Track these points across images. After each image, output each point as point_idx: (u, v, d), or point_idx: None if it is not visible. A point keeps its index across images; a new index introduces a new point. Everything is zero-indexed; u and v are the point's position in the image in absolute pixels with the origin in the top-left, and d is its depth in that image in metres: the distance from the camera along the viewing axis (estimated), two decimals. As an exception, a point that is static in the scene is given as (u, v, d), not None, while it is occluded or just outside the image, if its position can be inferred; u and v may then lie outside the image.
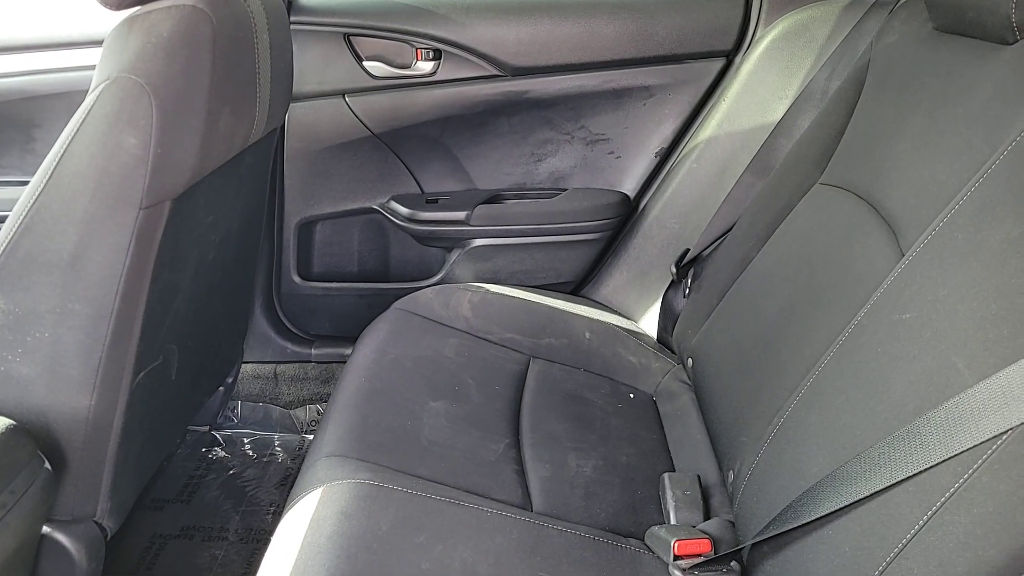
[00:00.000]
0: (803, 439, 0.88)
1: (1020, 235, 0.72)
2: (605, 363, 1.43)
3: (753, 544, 0.89)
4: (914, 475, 0.68)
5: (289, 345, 1.71)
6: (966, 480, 0.64)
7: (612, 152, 1.61)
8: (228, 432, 1.69)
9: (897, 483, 0.69)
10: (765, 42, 1.44)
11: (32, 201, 0.92)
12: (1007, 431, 0.62)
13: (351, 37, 1.55)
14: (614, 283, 1.61)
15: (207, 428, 1.67)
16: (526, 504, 1.05)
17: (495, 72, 1.55)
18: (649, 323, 1.57)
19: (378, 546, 0.88)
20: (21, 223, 0.92)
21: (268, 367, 1.72)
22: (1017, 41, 0.88)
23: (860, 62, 1.22)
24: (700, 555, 0.94)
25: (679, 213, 1.52)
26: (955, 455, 0.65)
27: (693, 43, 1.51)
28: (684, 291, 1.46)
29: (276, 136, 1.50)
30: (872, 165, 1.08)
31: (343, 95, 1.57)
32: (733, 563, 0.93)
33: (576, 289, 1.66)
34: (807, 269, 1.10)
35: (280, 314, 1.71)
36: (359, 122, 1.59)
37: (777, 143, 1.35)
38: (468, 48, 1.53)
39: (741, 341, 1.18)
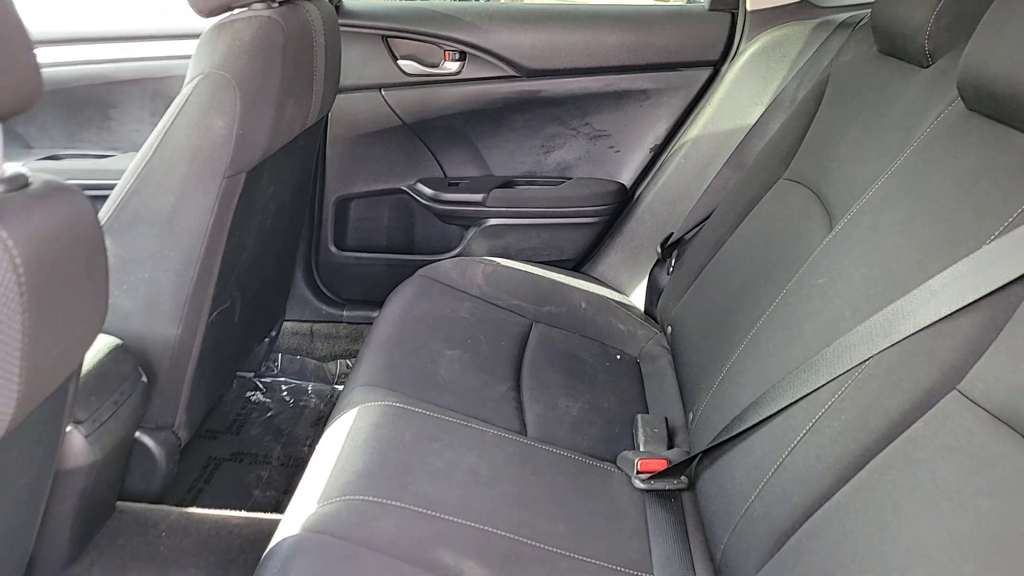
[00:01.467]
0: (740, 380, 1.11)
1: (904, 218, 0.95)
2: (598, 329, 1.65)
3: (698, 462, 1.12)
4: (806, 395, 0.91)
5: (324, 307, 1.95)
6: (839, 395, 0.87)
7: (612, 147, 1.83)
8: (269, 380, 1.94)
9: (795, 402, 0.92)
10: (747, 55, 1.66)
11: (139, 169, 1.16)
12: (867, 359, 0.84)
13: (388, 38, 1.78)
14: (609, 261, 1.84)
15: (252, 375, 1.91)
16: (522, 431, 1.28)
17: (512, 73, 1.78)
18: (638, 297, 1.79)
19: (403, 449, 1.12)
20: (130, 187, 1.16)
21: (305, 325, 1.96)
22: (930, 65, 1.10)
23: (822, 76, 1.43)
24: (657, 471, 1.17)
25: (668, 201, 1.75)
26: (834, 378, 0.88)
27: (686, 53, 1.73)
28: (668, 269, 1.68)
29: (323, 122, 1.74)
30: (822, 164, 1.30)
31: (380, 89, 1.80)
32: (683, 477, 1.16)
33: (576, 266, 1.89)
34: (764, 249, 1.32)
35: (317, 279, 1.95)
36: (393, 113, 1.82)
37: (751, 143, 1.57)
38: (489, 51, 1.76)
39: (710, 310, 1.40)
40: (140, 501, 1.31)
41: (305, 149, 1.54)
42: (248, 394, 1.89)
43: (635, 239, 1.80)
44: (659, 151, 1.81)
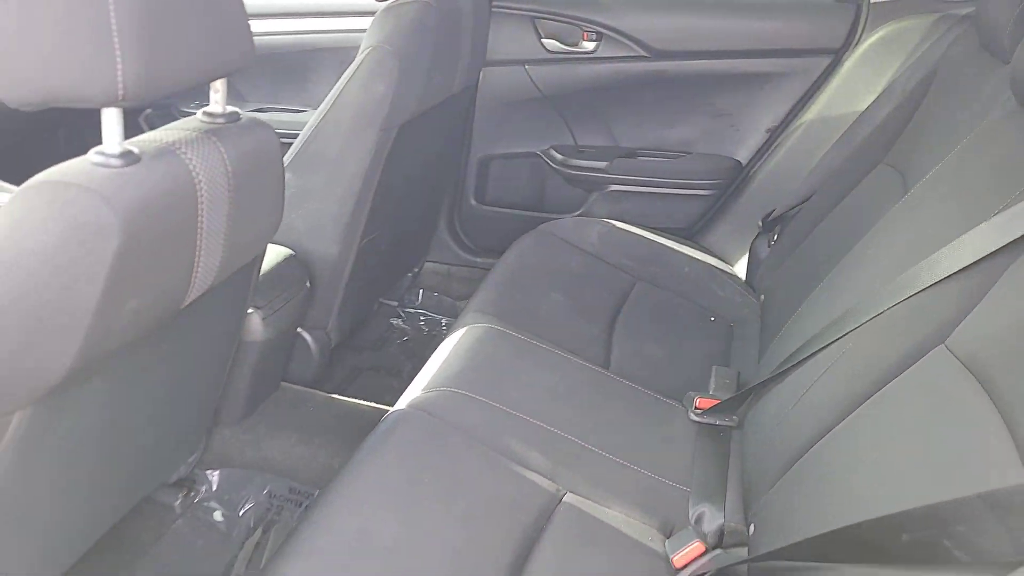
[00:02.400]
0: (795, 332, 1.25)
1: (942, 197, 1.05)
2: (697, 293, 1.80)
3: (748, 403, 1.27)
4: (831, 342, 1.05)
5: (461, 252, 2.23)
6: (852, 344, 1.01)
7: (732, 125, 1.96)
8: (410, 310, 2.26)
9: (822, 348, 1.06)
10: (866, 45, 1.73)
11: (318, 120, 1.47)
12: (879, 314, 0.98)
13: (536, 19, 2.01)
14: (717, 232, 1.97)
15: (396, 304, 2.24)
16: (605, 366, 1.48)
17: (643, 54, 1.95)
18: (741, 267, 1.92)
19: (497, 361, 1.37)
20: (310, 133, 1.48)
21: (444, 267, 2.26)
22: (1009, 63, 1.17)
23: (931, 69, 1.50)
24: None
25: (777, 180, 1.86)
26: (853, 329, 1.01)
27: (809, 41, 1.82)
28: (769, 242, 1.80)
29: (472, 91, 2.00)
30: (912, 152, 1.38)
31: (524, 64, 2.04)
32: (735, 417, 1.32)
33: (686, 234, 2.04)
34: (851, 228, 1.42)
35: (458, 227, 2.24)
36: (534, 86, 2.05)
37: (859, 129, 1.65)
38: (623, 33, 1.94)
39: (796, 281, 1.52)
40: (297, 384, 1.66)
41: (452, 114, 1.81)
42: (391, 320, 2.22)
43: (743, 213, 1.93)
44: (775, 132, 1.91)
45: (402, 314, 2.24)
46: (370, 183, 1.49)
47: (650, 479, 1.22)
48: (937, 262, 0.92)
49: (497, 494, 1.12)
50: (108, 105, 0.70)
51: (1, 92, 0.68)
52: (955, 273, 0.88)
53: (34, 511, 0.90)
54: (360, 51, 1.46)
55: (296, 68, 2.19)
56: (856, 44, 1.77)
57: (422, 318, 2.25)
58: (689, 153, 2.01)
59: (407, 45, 1.43)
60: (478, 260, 2.22)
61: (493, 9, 1.96)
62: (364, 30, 1.54)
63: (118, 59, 0.67)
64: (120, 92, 0.68)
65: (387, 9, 1.46)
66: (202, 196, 0.80)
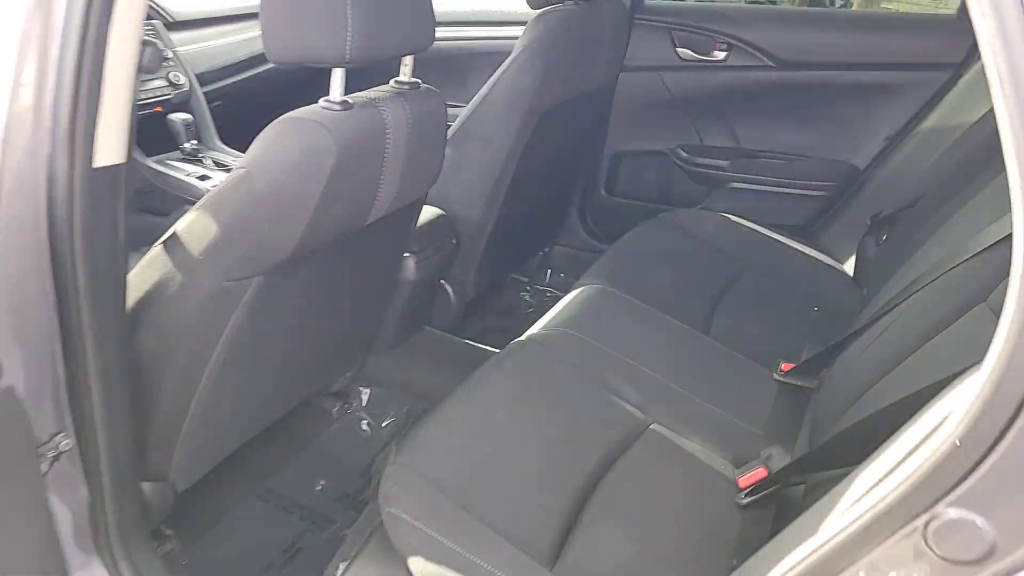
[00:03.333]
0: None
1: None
2: (803, 285, 1.93)
3: (828, 369, 1.42)
4: (898, 304, 1.19)
5: (589, 238, 2.47)
6: (912, 301, 1.15)
7: (850, 133, 2.08)
8: (540, 287, 2.52)
9: (889, 310, 1.21)
10: (987, 59, 1.80)
11: (475, 105, 1.77)
12: (935, 279, 1.12)
13: (673, 31, 2.22)
14: (830, 231, 2.09)
15: (526, 280, 2.51)
16: (704, 331, 1.67)
17: (769, 63, 2.12)
18: (849, 266, 2.03)
19: (605, 313, 1.60)
20: (468, 116, 1.78)
21: (572, 250, 2.50)
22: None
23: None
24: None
25: (889, 185, 1.96)
26: (917, 290, 1.16)
27: (930, 55, 1.92)
28: (877, 241, 1.91)
29: (609, 93, 2.23)
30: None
31: (659, 71, 2.26)
32: (815, 380, 1.47)
33: (799, 231, 2.17)
34: (955, 229, 1.52)
35: (587, 215, 2.48)
36: (667, 90, 2.27)
37: (972, 136, 1.74)
38: (753, 44, 2.12)
39: (899, 279, 1.63)
40: (438, 330, 1.96)
41: (589, 111, 2.06)
42: (521, 293, 2.49)
43: (856, 215, 2.04)
44: (893, 140, 2.02)
45: (530, 289, 2.50)
46: (512, 160, 1.77)
47: (729, 420, 1.40)
48: (987, 233, 1.06)
49: (592, 414, 1.34)
50: (337, 66, 1.01)
51: (270, 53, 1.00)
52: (999, 241, 1.02)
53: (243, 371, 1.22)
54: (514, 50, 1.74)
55: (459, 69, 2.51)
56: (977, 59, 1.85)
57: (547, 295, 2.50)
58: (808, 157, 2.15)
59: (552, 46, 1.69)
60: (603, 246, 2.44)
61: (635, 21, 2.20)
62: (516, 38, 1.82)
63: (348, 34, 0.97)
64: (347, 57, 0.98)
65: (538, 16, 1.74)
66: (389, 138, 1.09)
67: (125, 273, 0.99)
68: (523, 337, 1.50)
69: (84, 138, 0.81)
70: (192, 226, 1.03)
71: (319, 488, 1.60)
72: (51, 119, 0.79)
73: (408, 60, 1.18)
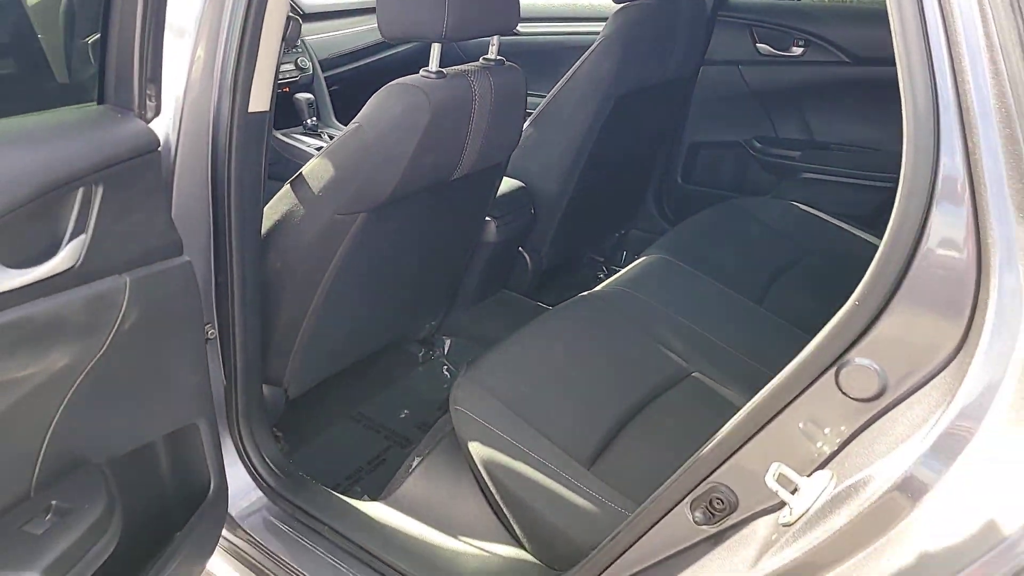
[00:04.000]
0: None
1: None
2: (863, 272, 2.03)
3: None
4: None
5: (663, 223, 2.62)
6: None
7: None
8: (614, 267, 2.69)
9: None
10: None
11: (558, 90, 1.97)
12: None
13: (753, 27, 2.36)
14: (894, 221, 2.17)
15: (602, 260, 2.68)
16: (759, 303, 1.81)
17: (846, 59, 2.22)
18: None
19: (662, 278, 1.77)
20: (553, 96, 1.98)
21: (647, 235, 2.63)
22: None
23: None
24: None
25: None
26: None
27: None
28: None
29: (688, 85, 2.39)
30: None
31: (737, 64, 2.39)
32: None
33: (867, 221, 2.25)
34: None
35: (663, 201, 2.63)
36: (744, 83, 2.40)
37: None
38: (831, 41, 2.23)
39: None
40: (514, 291, 2.17)
41: (666, 101, 2.23)
42: (596, 273, 2.67)
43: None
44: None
45: (605, 269, 2.68)
46: (588, 141, 1.96)
47: (763, 374, 1.54)
48: None
49: (639, 358, 1.52)
50: (436, 41, 1.24)
51: (382, 29, 1.24)
52: None
53: (347, 297, 1.47)
54: (597, 39, 1.93)
55: (548, 61, 2.72)
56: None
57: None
58: (878, 150, 2.24)
59: (630, 35, 1.88)
60: (677, 231, 2.60)
61: (717, 17, 2.35)
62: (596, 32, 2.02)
63: (446, 15, 1.20)
64: (443, 34, 1.21)
65: (619, 10, 1.92)
66: (475, 103, 1.32)
67: (262, 203, 1.25)
68: (585, 293, 1.69)
69: (243, 88, 1.06)
70: (314, 169, 1.28)
71: (403, 416, 1.84)
72: (220, 73, 1.06)
73: (495, 40, 1.40)
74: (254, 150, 1.12)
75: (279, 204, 1.32)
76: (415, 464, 1.36)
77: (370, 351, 1.77)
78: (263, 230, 1.31)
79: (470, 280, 1.98)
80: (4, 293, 0.80)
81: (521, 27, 3.04)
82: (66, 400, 0.90)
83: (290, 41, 1.55)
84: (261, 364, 1.38)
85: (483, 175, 1.55)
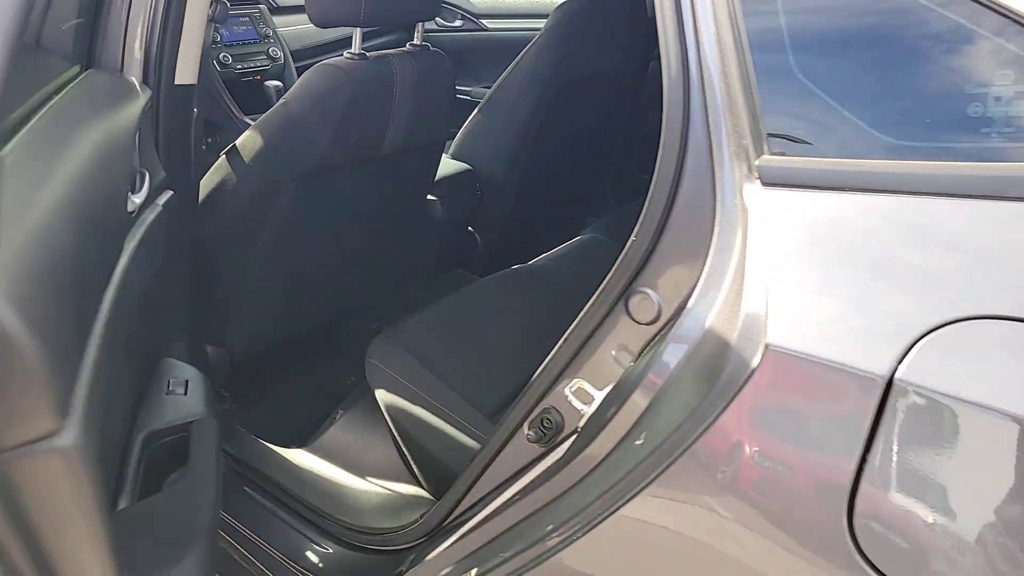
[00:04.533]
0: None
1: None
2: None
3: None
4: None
5: (618, 209, 2.73)
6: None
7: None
8: (572, 252, 2.80)
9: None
10: None
11: (505, 76, 2.09)
12: None
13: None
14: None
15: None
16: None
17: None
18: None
19: (589, 257, 1.88)
20: (499, 84, 2.10)
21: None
22: None
23: None
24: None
25: None
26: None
27: None
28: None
29: (639, 77, 2.49)
30: None
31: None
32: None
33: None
34: None
35: (620, 189, 2.74)
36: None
37: None
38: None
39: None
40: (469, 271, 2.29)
41: (613, 92, 2.33)
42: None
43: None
44: None
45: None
46: (532, 126, 2.07)
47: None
48: None
49: (560, 324, 1.63)
50: (355, 25, 1.36)
51: (311, 15, 1.35)
52: None
53: (286, 266, 1.59)
54: (539, 32, 2.05)
55: (514, 56, 2.83)
56: None
57: (580, 259, 2.77)
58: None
59: (567, 28, 1.99)
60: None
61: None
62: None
63: (363, 2, 1.31)
64: (361, 19, 1.33)
65: (558, 6, 2.04)
66: (396, 82, 1.44)
67: (196, 174, 1.37)
68: (516, 266, 1.80)
69: (168, 64, 1.19)
70: (245, 141, 1.40)
71: (350, 381, 1.96)
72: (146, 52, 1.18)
73: (419, 27, 1.52)
74: (181, 120, 1.24)
75: (214, 174, 1.45)
76: (339, 415, 1.48)
77: (320, 321, 1.88)
78: (201, 199, 1.43)
79: (424, 258, 2.09)
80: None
81: (489, 23, 3.17)
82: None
83: (218, 20, 1.67)
84: (203, 324, 1.50)
85: (419, 154, 1.67)
